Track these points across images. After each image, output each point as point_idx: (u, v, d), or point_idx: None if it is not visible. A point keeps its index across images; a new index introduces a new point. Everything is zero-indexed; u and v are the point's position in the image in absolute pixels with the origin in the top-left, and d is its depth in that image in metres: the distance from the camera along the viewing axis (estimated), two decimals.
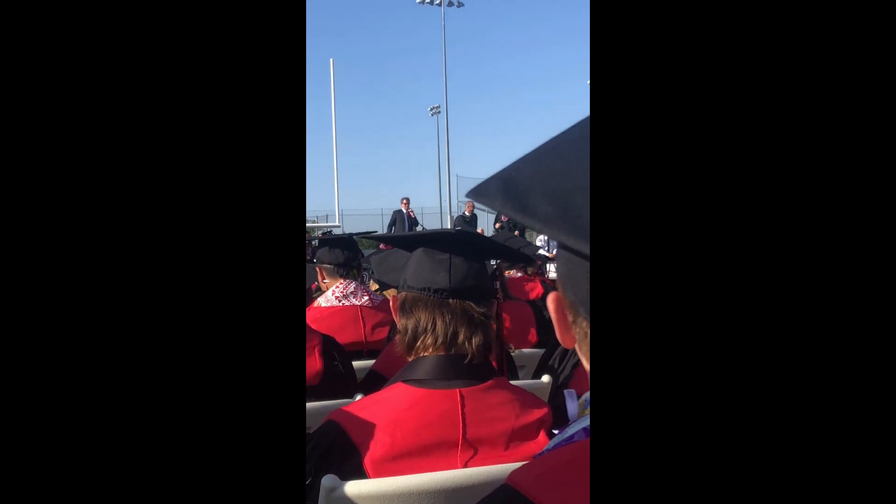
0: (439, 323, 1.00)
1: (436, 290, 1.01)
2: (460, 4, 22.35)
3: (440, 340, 1.00)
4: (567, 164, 0.61)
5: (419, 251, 1.06)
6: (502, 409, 1.00)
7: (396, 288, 1.25)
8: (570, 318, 0.59)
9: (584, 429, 0.65)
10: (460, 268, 1.01)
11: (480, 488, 0.92)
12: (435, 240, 1.06)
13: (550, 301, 0.59)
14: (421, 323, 1.01)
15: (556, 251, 0.64)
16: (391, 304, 1.12)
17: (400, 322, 1.06)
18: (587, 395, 0.74)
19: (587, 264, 0.59)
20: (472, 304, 1.01)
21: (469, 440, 0.98)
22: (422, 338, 1.01)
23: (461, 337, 0.99)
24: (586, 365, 0.62)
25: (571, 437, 0.67)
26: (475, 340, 1.00)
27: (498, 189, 0.58)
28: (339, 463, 0.97)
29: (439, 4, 21.81)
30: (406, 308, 1.04)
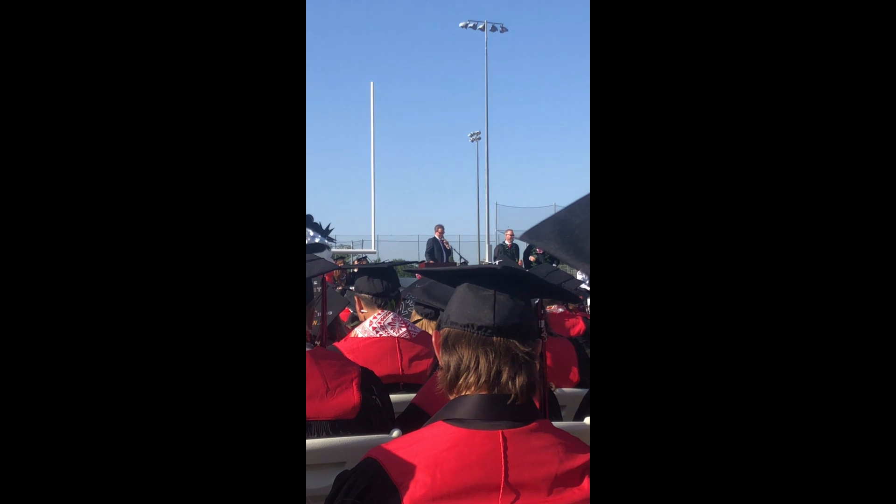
0: (482, 361, 0.97)
1: (479, 328, 0.98)
2: (504, 29, 21.81)
3: (483, 379, 0.96)
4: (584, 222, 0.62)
5: (463, 286, 1.03)
6: (546, 453, 0.95)
7: (439, 317, 1.21)
8: None
9: None
10: (505, 305, 0.98)
11: None
12: (479, 275, 1.04)
13: None
14: (464, 361, 0.98)
15: None
16: (433, 339, 1.09)
17: (442, 359, 1.03)
18: None
19: None
20: (517, 343, 0.97)
21: (511, 484, 0.93)
22: (464, 376, 0.98)
23: (504, 377, 0.96)
24: None
25: None
26: (519, 380, 0.96)
27: (553, 232, 0.59)
28: (377, 502, 0.94)
29: (482, 29, 21.14)
30: (448, 345, 1.02)
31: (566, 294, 1.42)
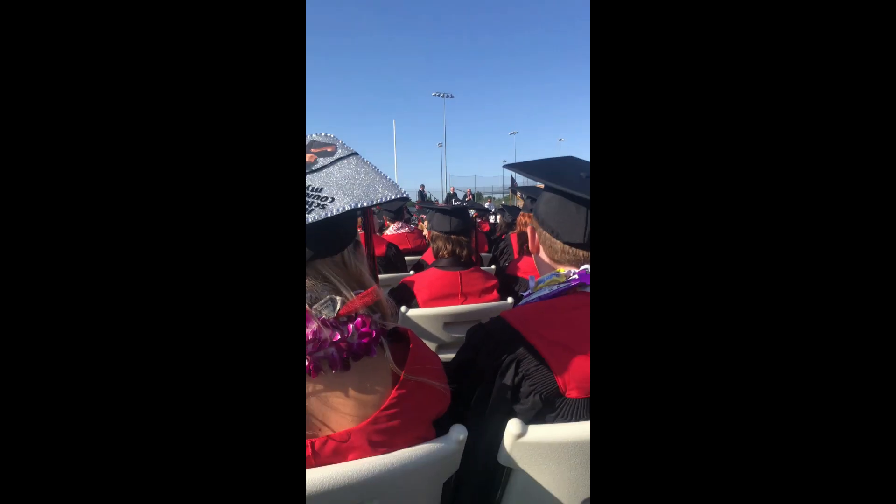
0: (449, 246, 2.17)
1: (446, 232, 2.18)
2: (451, 96, 41.67)
3: (448, 252, 2.16)
4: (552, 163, 1.13)
5: (437, 214, 2.22)
6: (478, 280, 2.20)
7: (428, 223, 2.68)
8: (537, 235, 1.08)
9: (539, 297, 1.04)
10: (455, 222, 2.19)
11: (469, 314, 2.08)
12: (445, 212, 2.23)
13: (528, 230, 1.28)
14: (439, 245, 2.17)
15: (540, 196, 1.14)
16: (426, 234, 2.38)
17: (433, 244, 2.22)
18: (539, 278, 1.10)
19: (559, 200, 1.04)
20: (461, 237, 2.17)
21: (464, 293, 2.15)
22: (440, 251, 2.17)
23: (457, 252, 2.16)
24: (538, 263, 1.13)
25: (531, 300, 1.06)
26: (464, 253, 2.16)
27: (518, 166, 1.11)
28: (407, 301, 2.15)
29: (442, 97, 40.82)
30: (434, 238, 2.21)
31: (480, 208, 2.95)
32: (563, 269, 1.08)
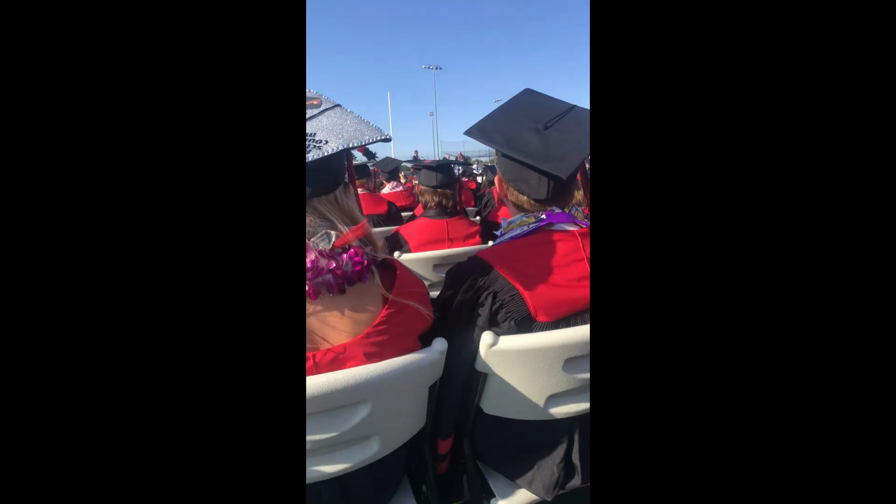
0: (436, 198, 2.28)
1: (431, 186, 2.28)
2: (440, 67, 46.53)
3: (436, 203, 2.25)
4: (506, 119, 1.09)
5: (424, 170, 2.30)
6: (462, 226, 2.30)
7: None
8: (505, 187, 1.14)
9: (511, 237, 1.10)
10: (441, 177, 2.26)
11: (455, 256, 2.18)
12: (431, 168, 2.33)
13: (496, 180, 1.16)
14: (427, 197, 2.27)
15: (501, 158, 1.13)
16: (416, 189, 2.46)
17: (421, 197, 2.32)
18: (509, 220, 1.15)
19: (516, 164, 1.04)
20: (448, 191, 2.28)
21: (450, 238, 2.25)
22: (429, 203, 2.27)
23: (444, 202, 2.26)
24: (508, 205, 1.17)
25: (503, 240, 1.12)
26: (449, 203, 2.27)
27: (476, 132, 1.09)
28: (400, 247, 2.25)
29: (431, 69, 45.04)
30: (422, 192, 2.32)
31: (463, 164, 3.18)
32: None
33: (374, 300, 0.90)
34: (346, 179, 0.95)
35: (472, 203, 4.80)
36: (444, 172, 2.33)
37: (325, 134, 0.86)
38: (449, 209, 2.30)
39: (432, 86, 45.66)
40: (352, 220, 0.92)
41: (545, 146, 1.05)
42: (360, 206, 0.98)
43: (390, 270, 0.95)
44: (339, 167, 0.92)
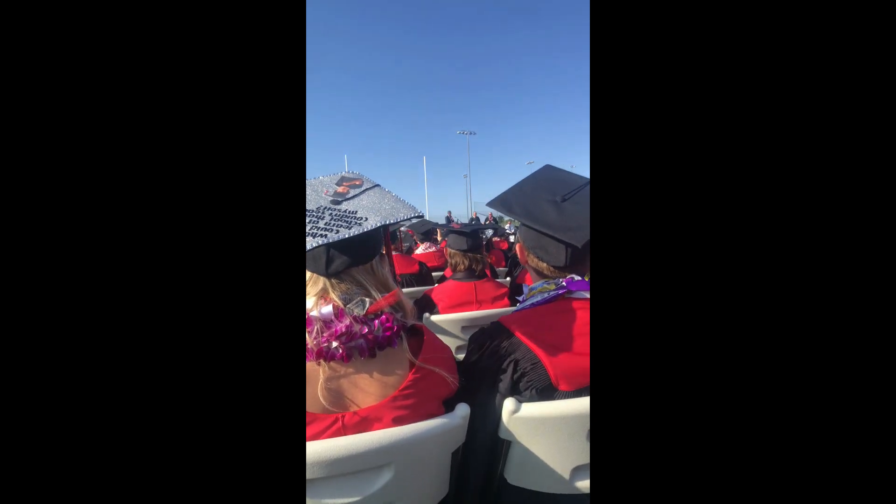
0: (465, 261, 2.31)
1: (461, 250, 2.34)
2: (474, 133, 47.65)
3: (465, 266, 2.26)
4: (526, 192, 1.15)
5: (453, 235, 2.34)
6: (490, 289, 2.28)
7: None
8: (526, 254, 1.15)
9: (532, 304, 1.11)
10: (469, 242, 2.32)
11: (485, 318, 2.15)
12: (457, 233, 2.34)
13: (517, 247, 1.21)
14: (456, 261, 2.29)
15: (520, 226, 1.17)
16: (445, 250, 2.45)
17: (451, 260, 2.33)
18: (531, 286, 1.16)
19: (535, 233, 1.06)
20: (475, 255, 2.35)
21: (478, 301, 2.23)
22: (458, 265, 2.27)
23: (473, 265, 2.27)
24: (530, 271, 1.18)
25: (525, 307, 1.13)
26: (478, 267, 2.27)
27: (498, 203, 1.14)
28: (429, 308, 2.24)
29: (466, 134, 46.18)
30: (451, 255, 2.36)
31: (492, 226, 3.21)
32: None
33: (401, 364, 0.90)
34: (382, 251, 0.98)
35: (504, 263, 4.77)
36: (472, 238, 2.38)
37: (366, 212, 0.91)
38: (477, 272, 2.32)
39: (466, 150, 47.95)
40: (385, 288, 0.94)
41: (562, 217, 1.07)
42: (394, 274, 1.00)
43: (418, 336, 0.96)
44: (377, 240, 0.96)
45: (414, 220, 5.43)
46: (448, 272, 3.73)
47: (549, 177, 1.20)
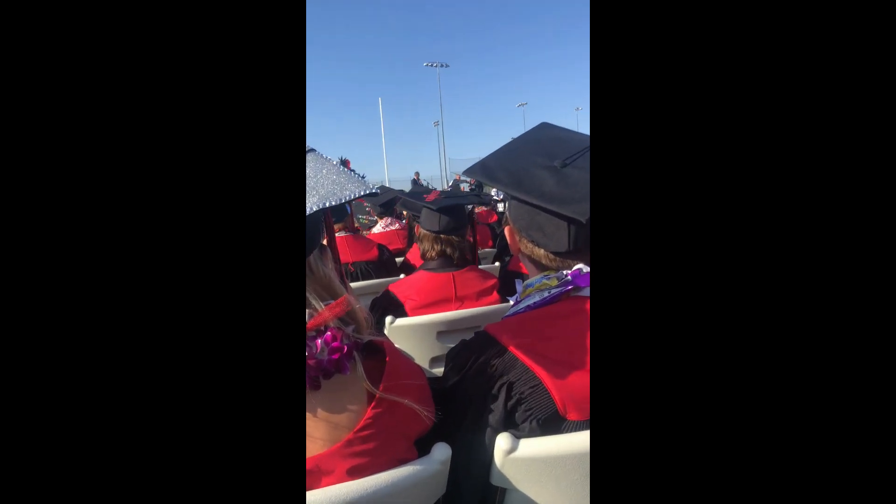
0: (438, 246, 2.32)
1: (434, 231, 2.34)
2: (447, 65, 48.26)
3: (438, 252, 2.30)
4: (516, 156, 1.14)
5: (426, 210, 2.34)
6: (474, 280, 2.28)
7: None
8: (517, 238, 1.17)
9: (528, 305, 1.11)
10: (445, 219, 2.29)
11: (465, 320, 2.16)
12: (432, 210, 2.36)
13: (506, 230, 1.39)
14: (427, 245, 2.30)
15: (508, 202, 1.20)
16: (416, 231, 2.43)
17: (420, 244, 2.32)
18: (527, 281, 1.18)
19: (528, 208, 1.06)
20: (453, 237, 2.34)
21: (458, 297, 2.23)
22: (427, 252, 2.28)
23: (448, 252, 2.29)
24: (524, 261, 1.20)
25: (519, 310, 1.13)
26: (455, 254, 2.28)
27: (478, 170, 1.16)
28: (393, 310, 2.23)
29: (436, 66, 46.41)
30: (420, 238, 2.36)
31: (479, 200, 2.99)
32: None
33: (356, 397, 0.89)
34: (323, 240, 0.95)
35: (491, 243, 4.71)
36: (451, 215, 2.33)
37: None
38: (455, 260, 2.31)
39: (437, 89, 47.38)
40: (329, 293, 0.92)
41: (562, 186, 1.06)
42: (341, 275, 0.98)
43: (378, 356, 0.94)
44: (314, 229, 0.93)
45: (386, 193, 5.39)
46: (413, 255, 3.66)
47: (545, 136, 1.19)
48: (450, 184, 27.68)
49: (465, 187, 21.99)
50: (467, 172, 1.14)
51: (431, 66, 45.82)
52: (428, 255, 2.35)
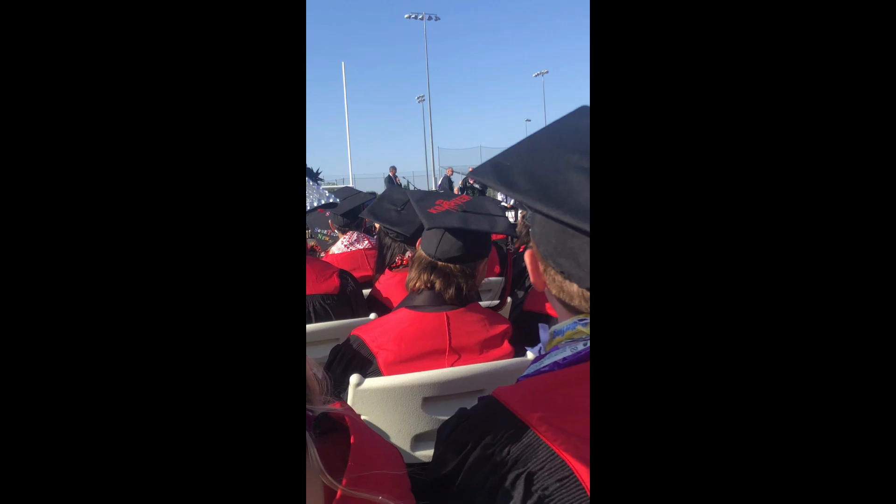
0: (428, 276, 2.33)
1: (433, 256, 2.33)
2: (437, 18, 48.07)
3: (425, 283, 2.33)
4: (542, 153, 1.09)
5: (430, 235, 2.37)
6: (477, 325, 2.27)
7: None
8: (542, 268, 1.15)
9: (555, 362, 1.10)
10: (453, 245, 2.30)
11: (464, 381, 2.14)
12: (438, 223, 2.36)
13: (527, 255, 1.14)
14: (415, 273, 2.36)
15: (531, 216, 1.16)
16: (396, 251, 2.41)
17: (410, 271, 2.36)
18: (555, 326, 1.20)
19: (558, 226, 1.04)
20: (452, 266, 2.32)
21: (454, 348, 2.23)
22: (413, 282, 2.36)
23: (442, 287, 2.31)
24: (551, 300, 1.19)
25: (543, 369, 1.13)
26: (450, 289, 2.31)
27: (490, 171, 1.09)
28: (360, 365, 2.20)
29: (422, 19, 45.79)
30: (412, 262, 2.38)
31: (509, 228, 2.64)
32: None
33: (311, 494, 0.87)
34: None
35: (498, 269, 4.62)
36: (464, 239, 2.27)
37: None
38: (448, 295, 2.27)
39: (423, 50, 46.17)
40: None
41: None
42: None
43: (338, 436, 0.94)
44: None
45: (348, 200, 5.41)
46: (385, 286, 3.61)
47: (583, 127, 1.15)
48: (439, 182, 26.96)
49: (458, 189, 21.93)
50: (475, 174, 1.13)
51: (415, 18, 44.58)
52: (411, 285, 2.33)
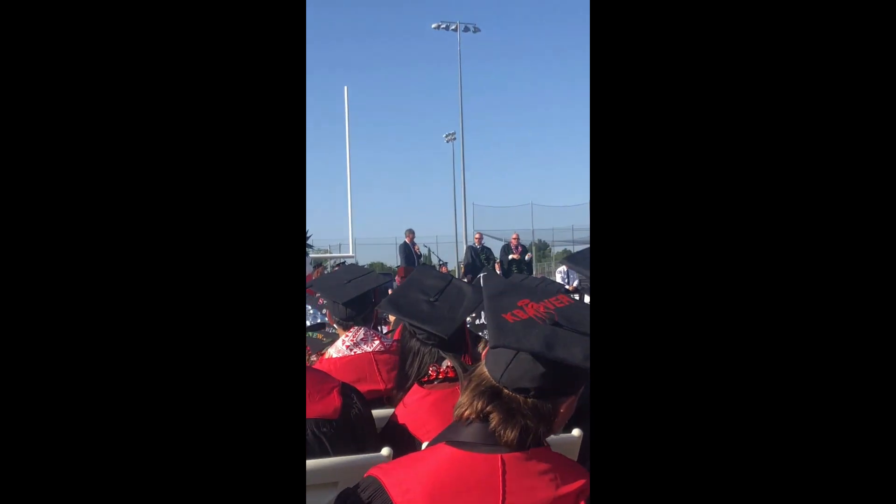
0: (480, 404, 1.95)
1: (498, 380, 1.94)
2: (476, 30, 40.20)
3: (477, 413, 1.91)
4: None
5: (497, 333, 1.93)
6: (543, 479, 1.78)
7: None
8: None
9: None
10: (524, 366, 1.96)
11: None
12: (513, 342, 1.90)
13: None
14: (466, 398, 1.95)
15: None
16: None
17: (463, 394, 1.98)
18: None
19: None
20: (522, 400, 1.94)
21: None
22: (464, 409, 1.93)
23: (495, 423, 1.91)
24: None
25: None
26: (509, 432, 1.91)
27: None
28: None
29: (455, 30, 39.15)
30: (471, 383, 2.00)
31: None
32: None
33: None
34: None
35: None
36: (559, 364, 1.77)
37: None
38: (510, 439, 1.83)
39: (456, 71, 36.93)
40: None
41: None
42: None
43: None
44: None
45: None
46: (412, 407, 2.96)
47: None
48: (461, 256, 26.17)
49: (497, 265, 21.98)
50: (574, 261, 1.06)
51: (444, 28, 36.28)
52: (459, 412, 1.94)
